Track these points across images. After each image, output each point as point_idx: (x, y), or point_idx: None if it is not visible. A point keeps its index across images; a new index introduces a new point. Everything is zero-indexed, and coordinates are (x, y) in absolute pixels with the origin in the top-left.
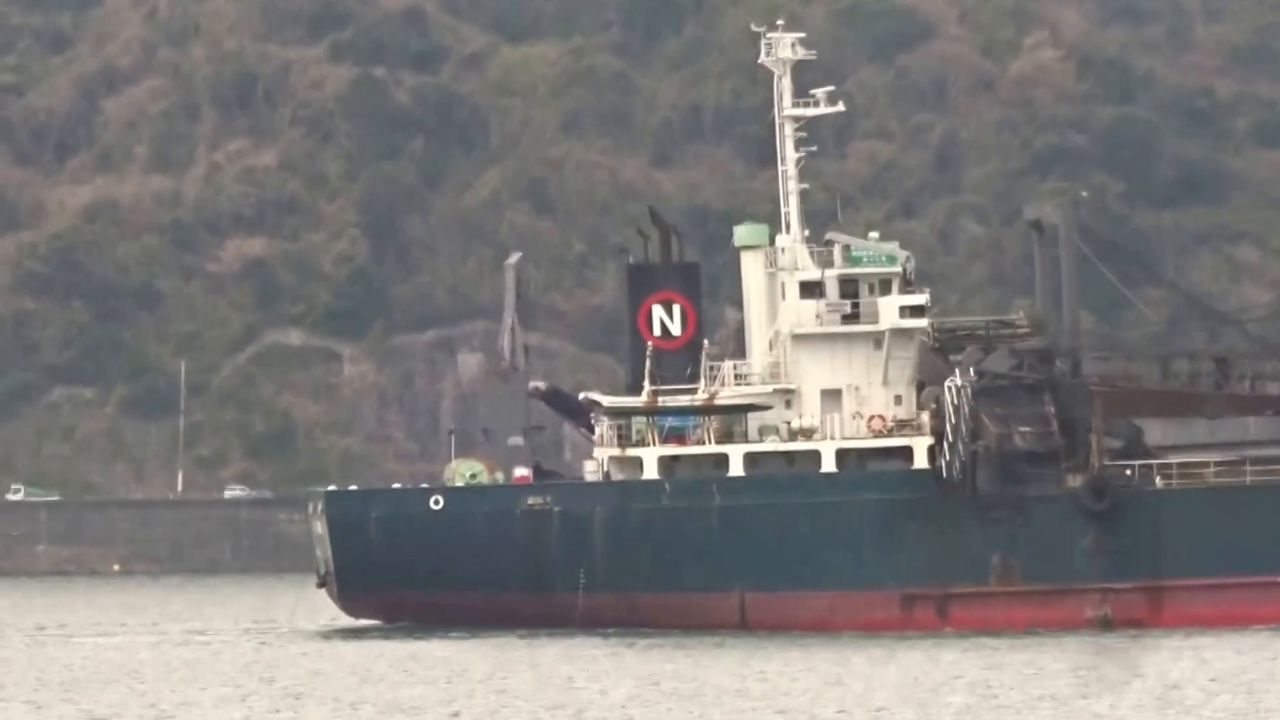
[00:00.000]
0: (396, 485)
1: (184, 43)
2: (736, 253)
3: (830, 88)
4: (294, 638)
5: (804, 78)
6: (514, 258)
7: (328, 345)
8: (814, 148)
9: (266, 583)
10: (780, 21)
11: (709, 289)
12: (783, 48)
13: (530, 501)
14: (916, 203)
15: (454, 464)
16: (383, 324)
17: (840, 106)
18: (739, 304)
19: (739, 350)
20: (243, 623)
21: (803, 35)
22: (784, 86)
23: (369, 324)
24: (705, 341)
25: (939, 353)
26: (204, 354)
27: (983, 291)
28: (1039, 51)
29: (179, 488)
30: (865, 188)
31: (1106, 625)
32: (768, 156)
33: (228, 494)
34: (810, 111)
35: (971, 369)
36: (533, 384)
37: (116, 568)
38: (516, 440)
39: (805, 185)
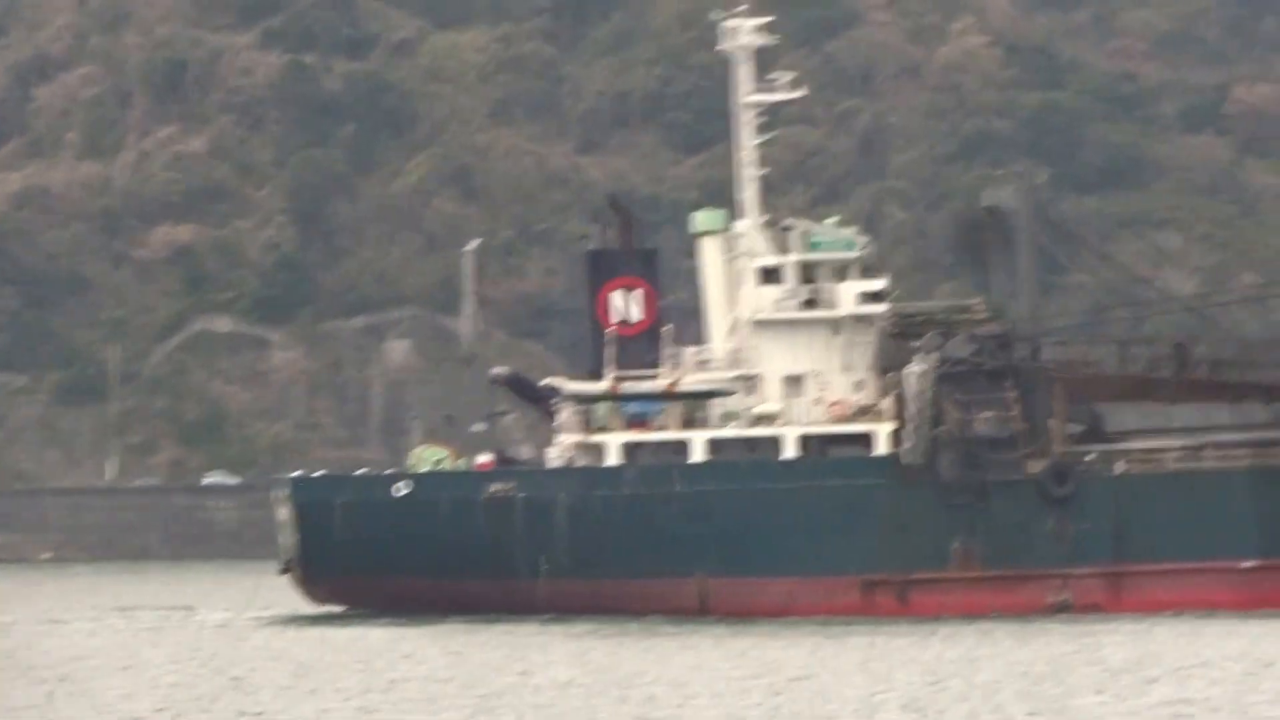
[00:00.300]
0: (361, 471)
1: (116, 30)
2: (692, 238)
3: (792, 74)
4: (255, 624)
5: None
6: (473, 244)
7: (257, 332)
8: (775, 132)
9: (198, 569)
10: (743, 7)
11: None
12: (742, 34)
13: (493, 488)
14: (842, 188)
15: (418, 450)
16: (311, 311)
17: (803, 92)
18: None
19: (687, 335)
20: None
21: (769, 19)
22: (743, 73)
23: (298, 311)
24: (666, 327)
25: (898, 339)
26: (134, 341)
27: (908, 277)
28: (966, 38)
29: (109, 475)
30: (791, 173)
31: (1067, 610)
32: (695, 144)
33: (205, 481)
34: (770, 97)
35: (932, 355)
36: (494, 370)
37: (48, 555)
38: (479, 426)
39: (766, 170)
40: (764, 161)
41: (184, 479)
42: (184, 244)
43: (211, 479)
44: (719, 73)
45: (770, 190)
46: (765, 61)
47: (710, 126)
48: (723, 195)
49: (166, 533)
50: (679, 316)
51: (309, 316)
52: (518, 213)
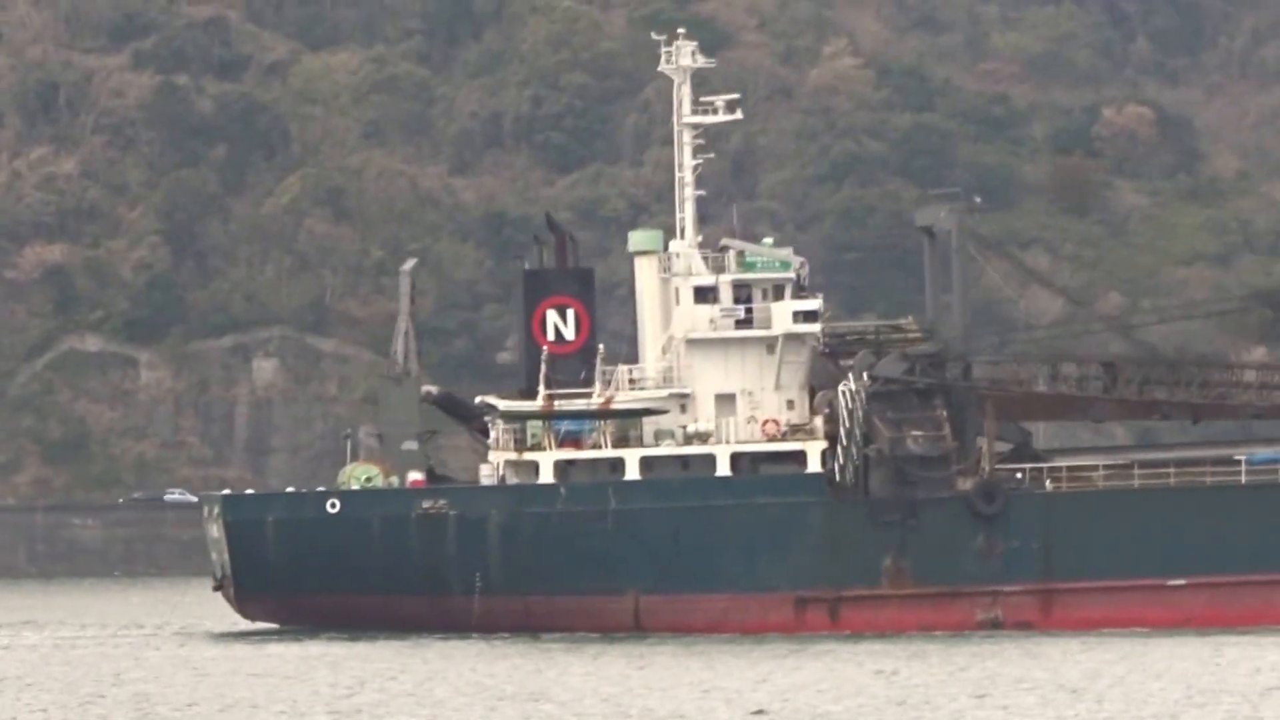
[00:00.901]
0: (290, 489)
1: None
2: (630, 257)
3: (734, 95)
4: (176, 640)
5: (605, 85)
6: (409, 264)
7: (125, 351)
8: (711, 155)
9: (66, 587)
10: (681, 30)
11: (504, 293)
12: (683, 55)
13: (426, 505)
14: (713, 209)
15: (349, 468)
16: (180, 330)
17: (738, 115)
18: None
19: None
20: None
21: (696, 44)
22: (683, 94)
23: (167, 330)
24: (600, 346)
25: (829, 357)
26: (2, 360)
27: None
28: (838, 60)
29: None
30: (661, 194)
31: (997, 627)
32: (567, 164)
33: (168, 497)
34: (708, 120)
35: (864, 373)
36: (425, 389)
37: None
38: (410, 445)
39: (702, 192)
40: (638, 182)
41: (50, 497)
42: (55, 264)
43: (173, 495)
44: (591, 93)
45: (643, 209)
46: (631, 84)
47: (582, 147)
48: (594, 215)
49: (32, 551)
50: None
51: (178, 336)
52: (390, 233)
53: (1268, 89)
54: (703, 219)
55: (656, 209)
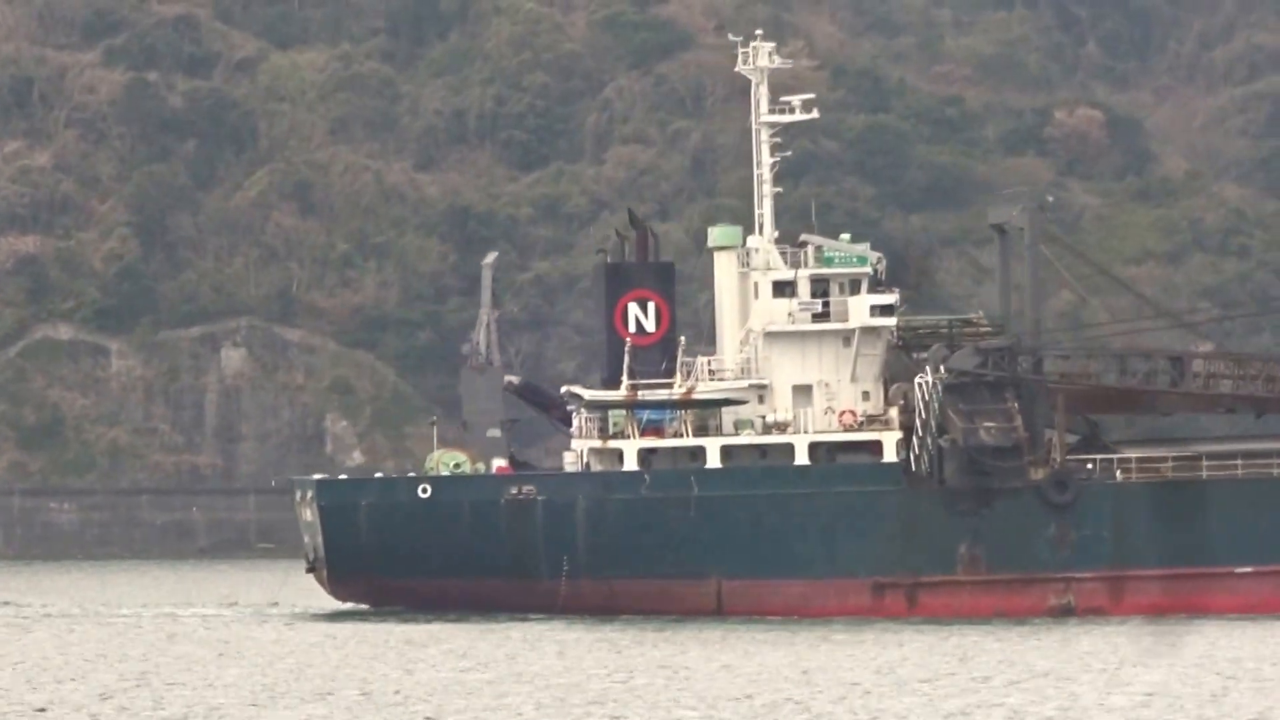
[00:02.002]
0: (379, 475)
1: None
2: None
3: (809, 95)
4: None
5: (567, 85)
6: (490, 257)
7: (96, 340)
8: (788, 153)
9: (41, 570)
10: (758, 31)
11: (469, 287)
12: (760, 56)
13: (514, 491)
14: (672, 206)
15: (436, 454)
16: (150, 320)
17: (814, 114)
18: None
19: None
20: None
21: (776, 45)
22: (761, 94)
23: (137, 320)
24: (681, 338)
25: (902, 350)
26: None
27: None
28: (794, 61)
29: None
30: (623, 190)
31: (1068, 613)
32: (529, 162)
33: None
34: (785, 118)
35: (940, 366)
36: (507, 378)
37: None
38: (495, 432)
39: (779, 189)
40: (598, 180)
41: (26, 481)
42: (28, 254)
43: None
44: (553, 92)
45: (604, 206)
46: (592, 84)
47: (544, 145)
48: (555, 212)
49: (10, 534)
50: (504, 325)
51: (148, 325)
52: (355, 227)
53: (1215, 92)
54: (665, 214)
55: (617, 205)
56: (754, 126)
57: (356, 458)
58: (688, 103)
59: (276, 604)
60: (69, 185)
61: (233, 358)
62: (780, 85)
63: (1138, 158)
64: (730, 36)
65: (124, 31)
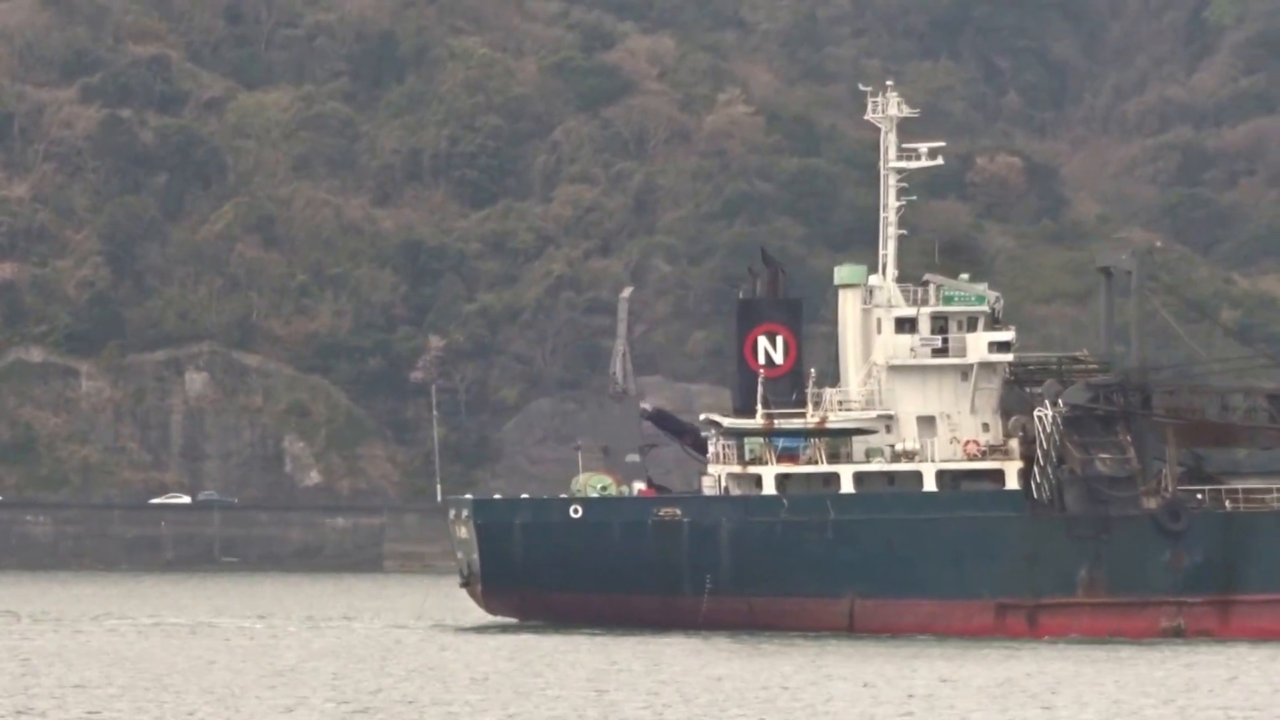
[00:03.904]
0: (525, 495)
1: None
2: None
3: (940, 143)
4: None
5: (517, 126)
6: (627, 291)
7: (68, 362)
8: (914, 197)
9: (20, 580)
10: (889, 82)
11: (417, 317)
12: (889, 106)
13: (661, 512)
14: (615, 243)
15: (583, 476)
16: (118, 344)
17: (939, 161)
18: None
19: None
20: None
21: (903, 96)
22: (889, 141)
23: (106, 343)
24: (812, 370)
25: (1014, 385)
26: None
27: (668, 324)
28: (732, 107)
29: None
30: (569, 228)
31: (1179, 635)
32: (481, 199)
33: (202, 496)
34: (911, 164)
35: (1060, 400)
36: (642, 406)
37: None
38: (633, 457)
39: (904, 232)
40: (546, 217)
41: (2, 494)
42: (5, 280)
43: (206, 495)
44: (504, 133)
45: (549, 241)
46: (541, 126)
47: (494, 183)
48: (504, 247)
49: None
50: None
51: (116, 349)
52: (314, 259)
53: (1128, 141)
54: (607, 250)
55: (563, 241)
56: (881, 171)
57: (314, 477)
58: (631, 145)
59: (420, 617)
60: (45, 215)
61: (196, 381)
62: (720, 131)
63: (1053, 202)
64: (860, 86)
65: (100, 70)
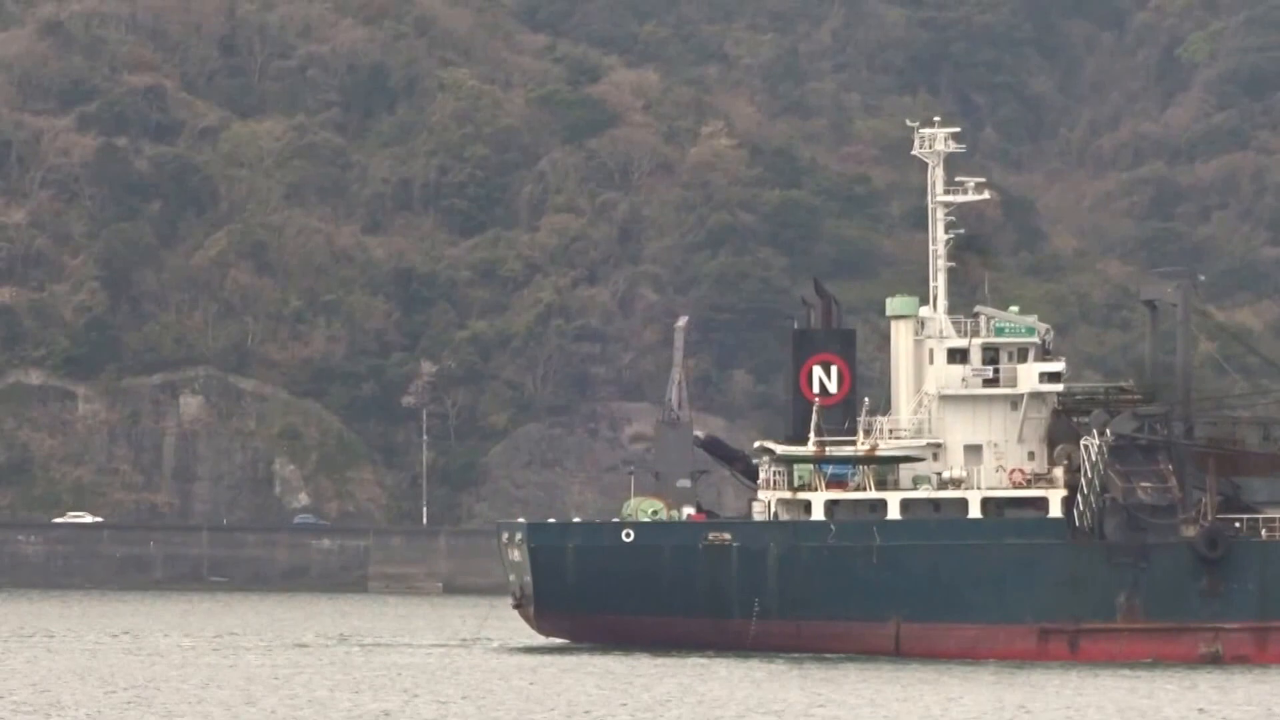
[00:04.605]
0: (576, 519)
1: None
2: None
3: (980, 179)
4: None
5: (505, 157)
6: (683, 320)
7: (65, 385)
8: (962, 230)
9: (15, 598)
10: (937, 118)
11: (430, 346)
12: (937, 141)
13: (711, 536)
14: (600, 271)
15: (634, 502)
16: (114, 367)
17: (985, 195)
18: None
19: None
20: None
21: (956, 130)
22: (937, 175)
23: (102, 367)
24: (865, 399)
25: (1062, 414)
26: None
27: (655, 352)
28: (715, 140)
29: None
30: (555, 256)
31: (1217, 660)
32: (469, 228)
33: (297, 521)
34: (958, 199)
35: (1107, 430)
36: (695, 433)
37: None
38: (685, 482)
39: (953, 264)
40: (533, 245)
41: None
42: (3, 304)
43: (302, 519)
44: (492, 164)
45: (537, 270)
46: (528, 156)
47: (482, 212)
48: (493, 274)
49: None
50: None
51: (113, 372)
52: (307, 285)
53: (1103, 175)
54: (593, 278)
55: (550, 269)
56: (930, 205)
57: (303, 499)
58: (616, 176)
59: (478, 638)
60: (43, 241)
61: (190, 404)
62: (704, 163)
63: (1030, 235)
64: (908, 122)
65: (96, 99)
